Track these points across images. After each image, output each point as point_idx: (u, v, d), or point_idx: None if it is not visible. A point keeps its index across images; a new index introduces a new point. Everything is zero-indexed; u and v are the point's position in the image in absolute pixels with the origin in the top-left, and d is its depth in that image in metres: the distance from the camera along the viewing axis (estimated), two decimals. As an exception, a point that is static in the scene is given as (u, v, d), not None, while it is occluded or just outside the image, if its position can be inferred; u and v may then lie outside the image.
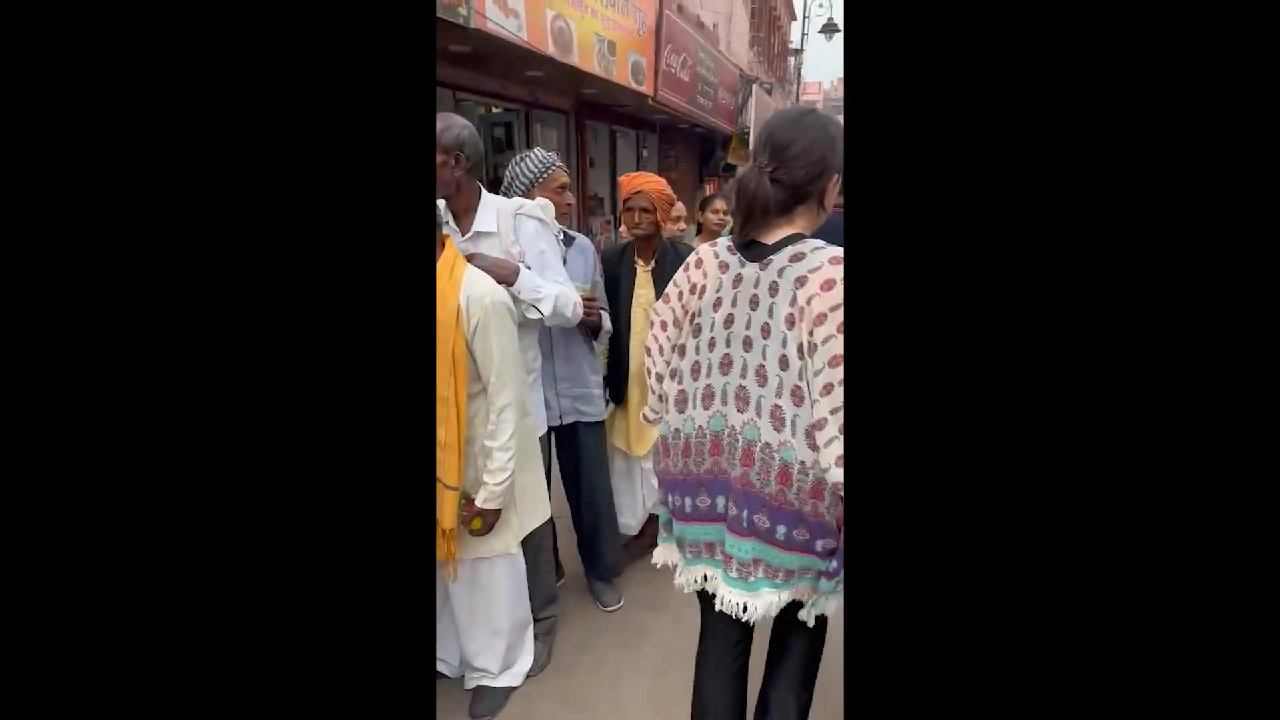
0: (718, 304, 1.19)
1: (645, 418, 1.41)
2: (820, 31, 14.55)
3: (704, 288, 1.22)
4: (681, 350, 1.26)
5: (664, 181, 2.21)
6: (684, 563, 1.27)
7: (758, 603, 1.14)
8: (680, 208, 2.54)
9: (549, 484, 1.93)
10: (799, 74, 17.06)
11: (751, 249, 1.15)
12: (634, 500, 2.45)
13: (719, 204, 3.16)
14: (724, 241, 1.23)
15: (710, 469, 1.18)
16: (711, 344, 1.19)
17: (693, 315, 1.24)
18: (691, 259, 1.27)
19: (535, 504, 1.74)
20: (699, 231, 3.26)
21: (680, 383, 1.24)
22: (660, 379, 1.32)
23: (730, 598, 1.17)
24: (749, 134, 9.84)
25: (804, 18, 15.01)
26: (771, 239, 1.14)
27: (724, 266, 1.20)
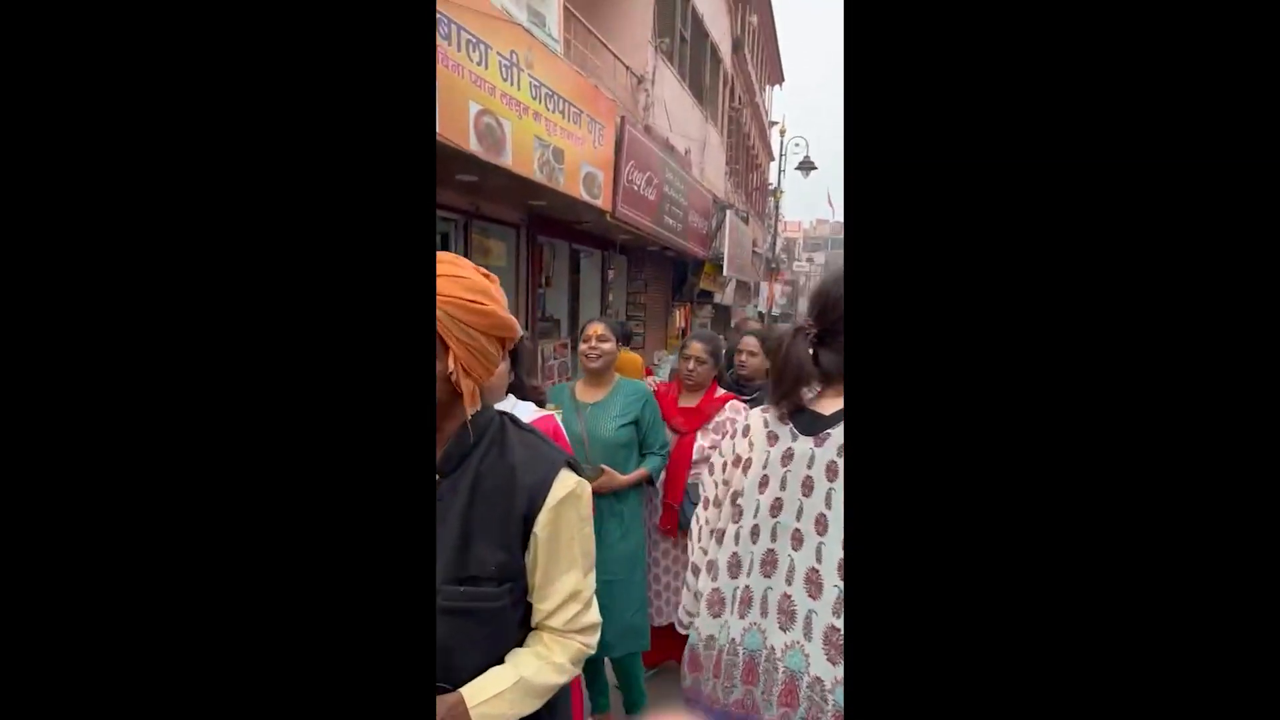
0: (763, 484, 1.02)
1: (679, 623, 1.20)
2: (796, 168, 14.82)
3: (749, 462, 1.06)
4: (720, 537, 1.08)
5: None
6: None
7: None
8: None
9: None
10: (777, 209, 17.27)
11: (804, 418, 1.01)
12: None
13: (695, 348, 2.60)
14: (773, 411, 1.07)
15: (741, 701, 0.96)
16: (754, 533, 1.01)
17: (735, 494, 1.06)
18: (737, 423, 1.13)
19: None
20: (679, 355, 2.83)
21: (715, 578, 1.04)
22: (696, 571, 1.14)
23: None
24: (723, 259, 9.37)
25: (780, 154, 15.31)
26: (828, 408, 1.00)
27: (772, 438, 1.03)
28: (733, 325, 12.25)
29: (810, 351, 1.00)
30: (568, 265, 7.50)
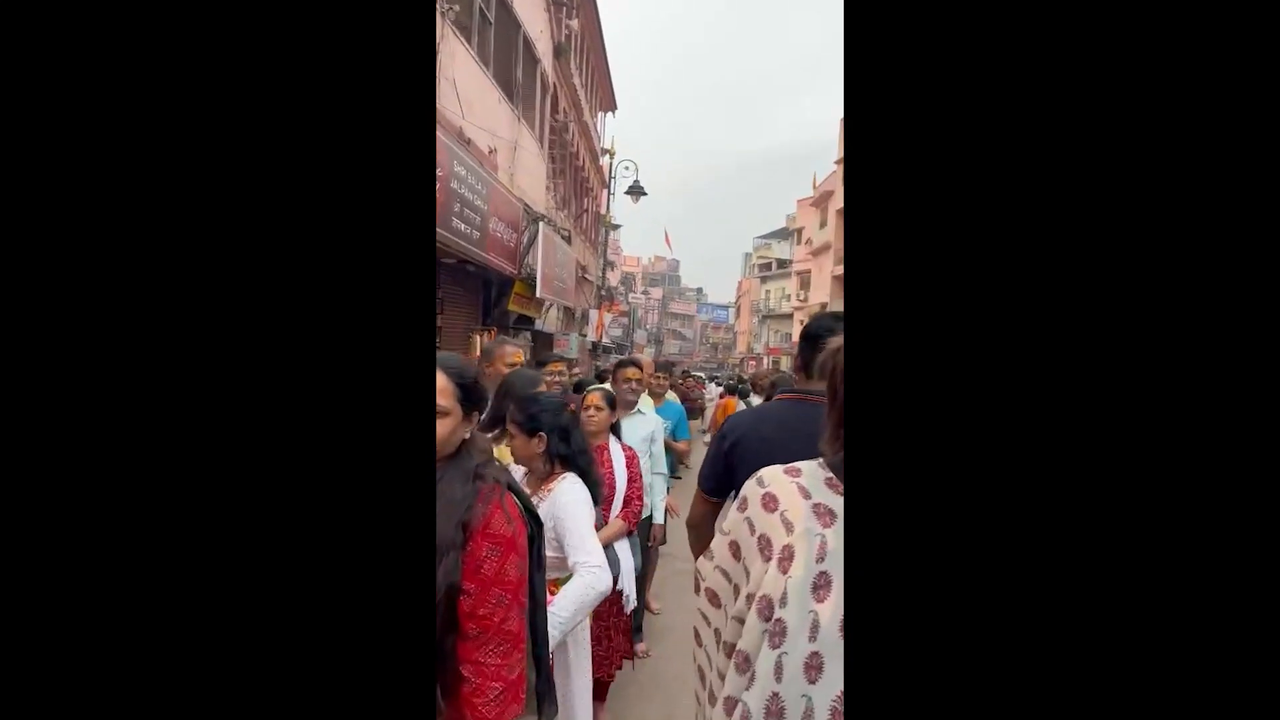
0: (821, 587, 0.72)
1: None
2: (626, 193, 14.19)
3: (790, 552, 0.75)
4: (742, 660, 0.76)
5: None
6: None
7: None
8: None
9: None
10: (607, 235, 16.56)
11: None
12: None
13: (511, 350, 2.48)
14: (812, 467, 0.83)
15: None
16: (816, 666, 0.70)
17: (766, 601, 0.75)
18: (756, 491, 0.84)
19: None
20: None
21: None
22: (711, 699, 0.85)
23: None
24: (535, 277, 8.17)
25: (610, 177, 14.61)
26: None
27: (825, 514, 0.76)
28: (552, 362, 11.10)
29: None
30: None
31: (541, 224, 8.21)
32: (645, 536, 3.12)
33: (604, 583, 1.55)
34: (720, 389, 13.29)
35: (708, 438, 8.03)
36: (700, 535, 1.63)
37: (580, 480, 1.75)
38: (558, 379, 3.27)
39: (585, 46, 14.67)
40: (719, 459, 1.57)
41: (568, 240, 10.82)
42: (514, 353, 2.55)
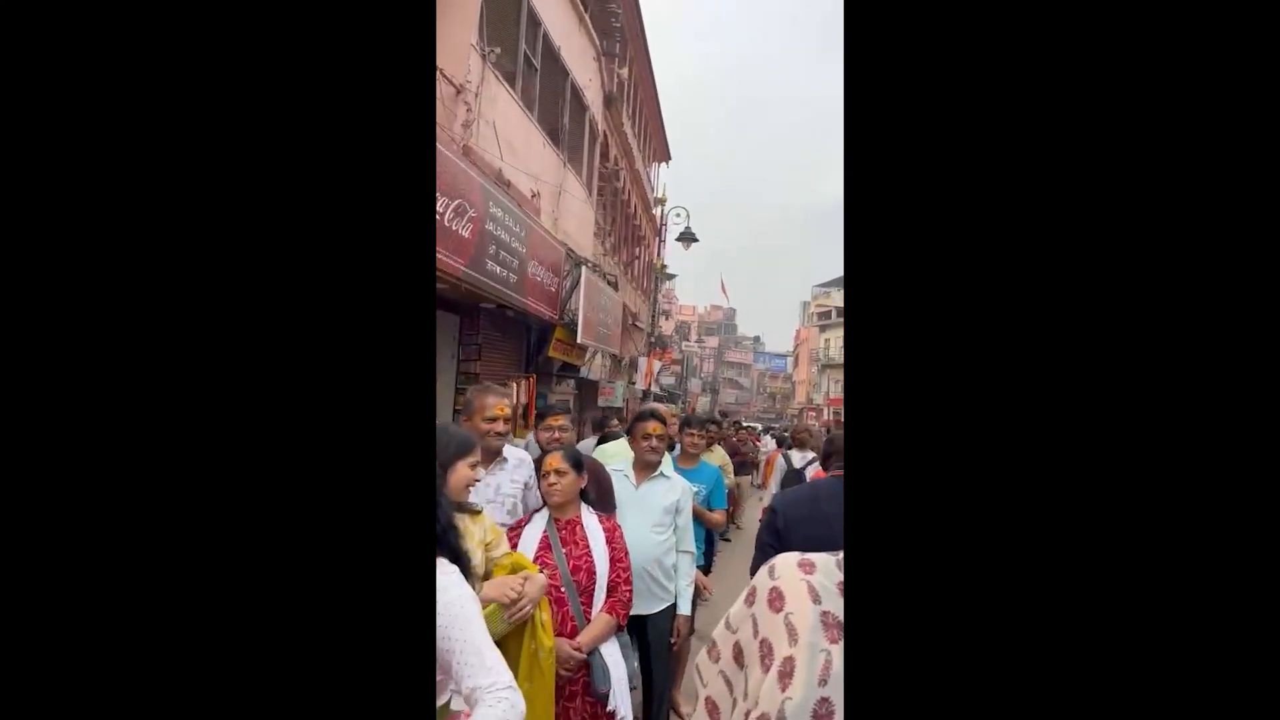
0: (823, 716, 0.67)
1: None
2: (677, 239, 13.99)
3: (791, 666, 0.70)
4: None
5: None
6: None
7: None
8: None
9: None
10: (657, 283, 16.32)
11: None
12: None
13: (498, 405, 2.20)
14: (829, 565, 0.76)
15: None
16: None
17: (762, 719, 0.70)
18: (765, 585, 0.77)
19: None
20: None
21: None
22: None
23: None
24: (575, 323, 7.88)
25: (661, 224, 14.46)
26: None
27: (835, 629, 0.71)
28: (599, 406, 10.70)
29: None
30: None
31: (584, 268, 7.96)
32: (668, 630, 2.56)
33: (518, 711, 1.02)
34: (772, 440, 12.61)
35: (762, 494, 7.41)
36: None
37: (456, 569, 1.20)
38: (557, 434, 2.82)
39: (638, 96, 14.80)
40: (773, 533, 1.42)
41: (614, 286, 10.57)
42: (496, 405, 2.14)
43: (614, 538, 2.06)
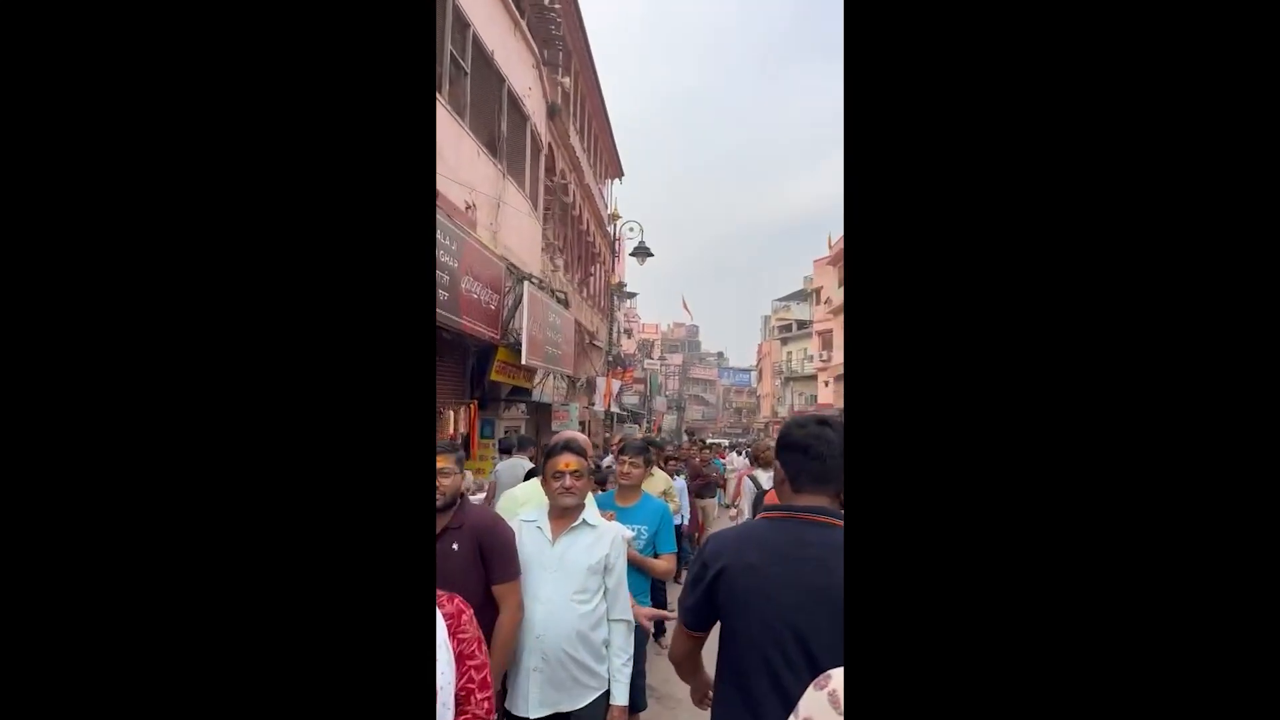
0: None
1: None
2: (632, 254, 13.55)
3: None
4: None
5: None
6: None
7: None
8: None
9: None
10: (614, 301, 15.83)
11: None
12: None
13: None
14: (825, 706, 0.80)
15: None
16: None
17: None
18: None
19: None
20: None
21: None
22: None
23: None
24: (520, 344, 7.29)
25: (614, 239, 14.00)
26: None
27: None
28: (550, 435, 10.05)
29: None
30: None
31: (527, 284, 7.39)
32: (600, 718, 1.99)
33: None
34: (744, 458, 12.07)
35: (732, 511, 6.88)
36: (684, 672, 1.60)
37: None
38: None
39: (585, 110, 14.39)
40: (701, 589, 1.40)
41: (564, 303, 10.01)
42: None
43: (459, 624, 1.41)
